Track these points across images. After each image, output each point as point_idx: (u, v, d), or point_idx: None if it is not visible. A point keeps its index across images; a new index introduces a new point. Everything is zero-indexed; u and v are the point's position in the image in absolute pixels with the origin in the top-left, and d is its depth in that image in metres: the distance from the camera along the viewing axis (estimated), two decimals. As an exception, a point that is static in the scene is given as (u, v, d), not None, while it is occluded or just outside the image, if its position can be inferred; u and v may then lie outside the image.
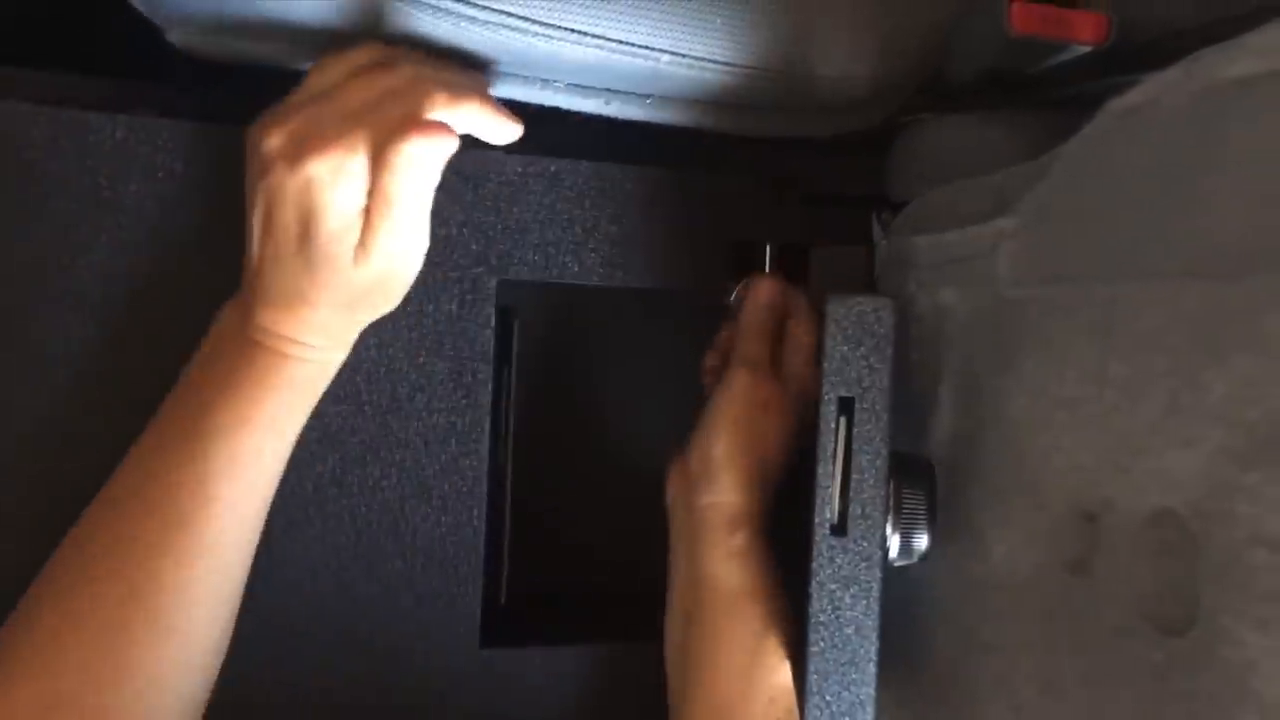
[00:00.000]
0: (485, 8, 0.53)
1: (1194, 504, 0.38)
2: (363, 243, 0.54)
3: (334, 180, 0.52)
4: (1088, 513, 0.44)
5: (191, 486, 0.54)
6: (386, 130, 0.52)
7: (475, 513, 0.66)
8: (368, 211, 0.54)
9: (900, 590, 0.59)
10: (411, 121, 0.52)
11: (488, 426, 0.66)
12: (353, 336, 0.60)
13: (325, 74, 0.55)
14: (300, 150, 0.52)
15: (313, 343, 0.57)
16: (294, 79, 0.56)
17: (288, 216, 0.53)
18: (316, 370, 0.58)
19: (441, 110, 0.53)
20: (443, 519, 0.66)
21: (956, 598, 0.56)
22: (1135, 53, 0.59)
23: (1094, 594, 0.43)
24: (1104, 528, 0.43)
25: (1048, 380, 0.48)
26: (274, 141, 0.52)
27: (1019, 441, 0.50)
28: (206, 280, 0.59)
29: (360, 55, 0.55)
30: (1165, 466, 0.40)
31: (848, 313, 0.55)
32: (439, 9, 0.53)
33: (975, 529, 0.53)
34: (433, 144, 0.53)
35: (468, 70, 0.58)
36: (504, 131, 0.58)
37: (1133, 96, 0.43)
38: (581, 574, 0.80)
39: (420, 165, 0.53)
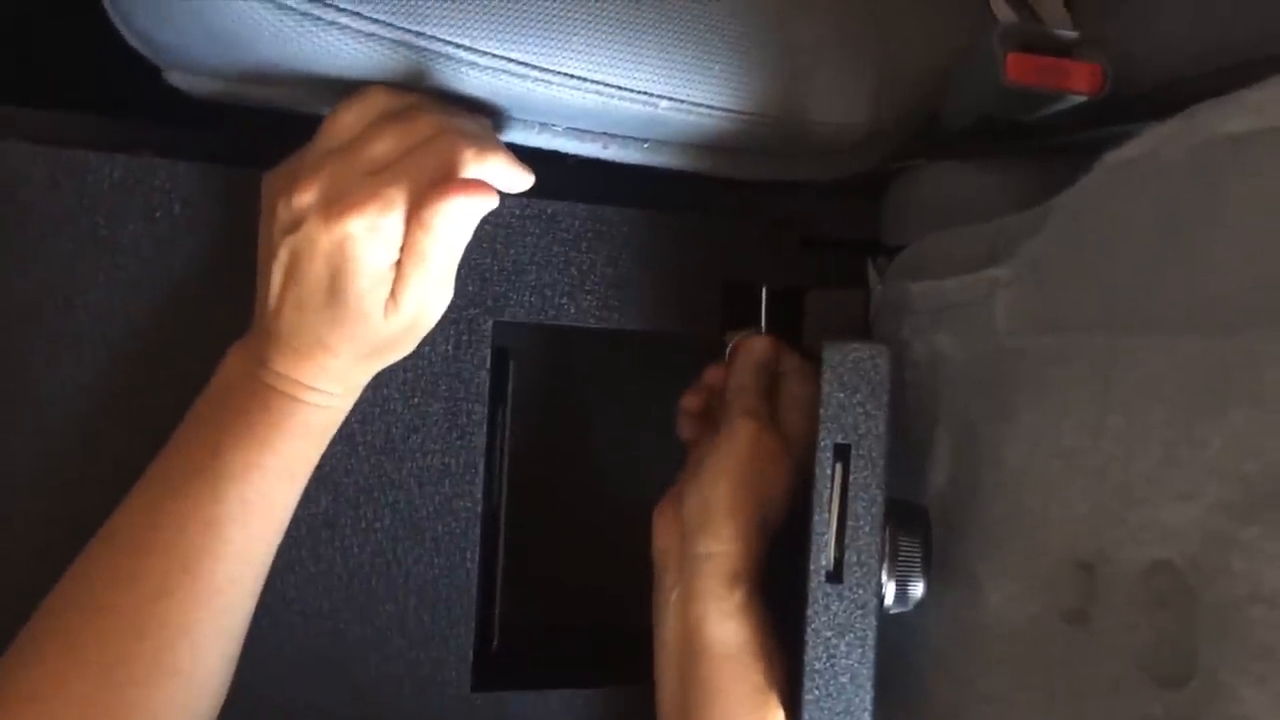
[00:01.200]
0: (485, 53, 0.54)
1: (1191, 557, 0.38)
2: (394, 296, 0.54)
3: (370, 238, 0.52)
4: (1085, 563, 0.44)
5: (200, 529, 0.53)
6: (421, 188, 0.52)
7: (469, 554, 0.66)
8: (400, 265, 0.54)
9: (898, 637, 0.59)
10: (447, 179, 0.52)
11: (482, 467, 0.66)
12: (365, 382, 0.60)
13: (342, 123, 0.54)
14: (335, 208, 0.52)
15: (329, 389, 0.57)
16: (292, 120, 0.57)
17: (318, 271, 0.53)
18: (330, 416, 0.58)
19: (472, 165, 0.53)
20: (436, 560, 0.65)
21: (954, 645, 0.56)
22: (1130, 103, 0.59)
23: (1092, 645, 0.43)
24: (1101, 579, 0.43)
25: (1045, 430, 0.48)
26: (306, 198, 0.52)
27: (1016, 490, 0.50)
28: (205, 321, 0.59)
29: (376, 102, 0.55)
30: (1162, 519, 0.40)
31: (843, 359, 0.55)
32: (439, 54, 0.53)
33: (972, 577, 0.53)
34: (473, 203, 0.53)
35: (479, 118, 0.58)
36: (520, 182, 0.58)
37: (1129, 149, 0.44)
38: (575, 616, 0.80)
39: (457, 223, 0.53)
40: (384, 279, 0.54)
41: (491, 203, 0.54)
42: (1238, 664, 0.35)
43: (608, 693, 0.70)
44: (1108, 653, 0.42)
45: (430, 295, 0.56)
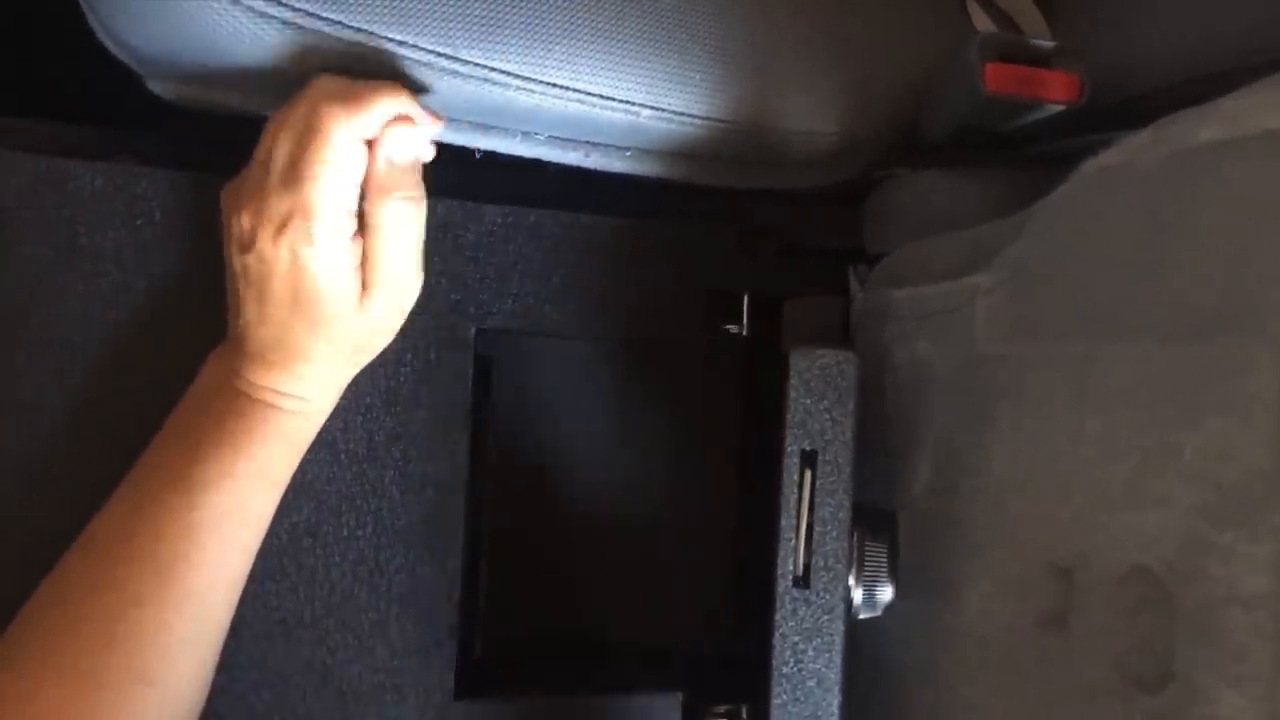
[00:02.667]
0: (468, 62, 0.54)
1: (1169, 562, 0.38)
2: (364, 287, 0.54)
3: (318, 244, 0.52)
4: (1064, 568, 0.45)
5: (177, 537, 0.53)
6: (312, 184, 0.51)
7: (451, 562, 0.66)
8: (363, 254, 0.54)
9: (877, 644, 0.59)
10: (319, 152, 0.51)
11: (465, 476, 0.66)
12: (345, 383, 0.60)
13: (266, 135, 0.54)
14: (276, 226, 0.52)
15: (307, 395, 0.57)
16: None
17: (279, 286, 0.53)
18: (308, 421, 0.58)
19: (343, 124, 0.51)
20: (418, 569, 0.65)
21: (934, 651, 0.56)
22: (1108, 112, 0.60)
23: (1070, 650, 0.44)
24: (1080, 583, 0.43)
25: (1024, 435, 0.49)
26: (248, 218, 0.53)
27: (995, 495, 0.51)
28: (185, 328, 0.59)
29: (283, 111, 0.54)
30: (1140, 524, 0.40)
31: (810, 365, 0.56)
32: (421, 63, 0.53)
33: (951, 581, 0.54)
34: (342, 159, 0.51)
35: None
36: (425, 130, 0.55)
37: (1105, 158, 0.44)
38: (558, 624, 0.80)
39: (386, 195, 0.53)
40: (349, 276, 0.54)
41: (406, 136, 0.53)
42: (1215, 667, 0.35)
43: (592, 701, 0.70)
44: (1086, 657, 0.42)
45: (400, 277, 0.56)
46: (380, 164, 0.53)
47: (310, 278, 0.52)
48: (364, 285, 0.54)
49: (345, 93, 0.52)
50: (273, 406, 0.56)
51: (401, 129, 0.53)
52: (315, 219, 0.51)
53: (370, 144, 0.53)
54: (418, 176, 0.55)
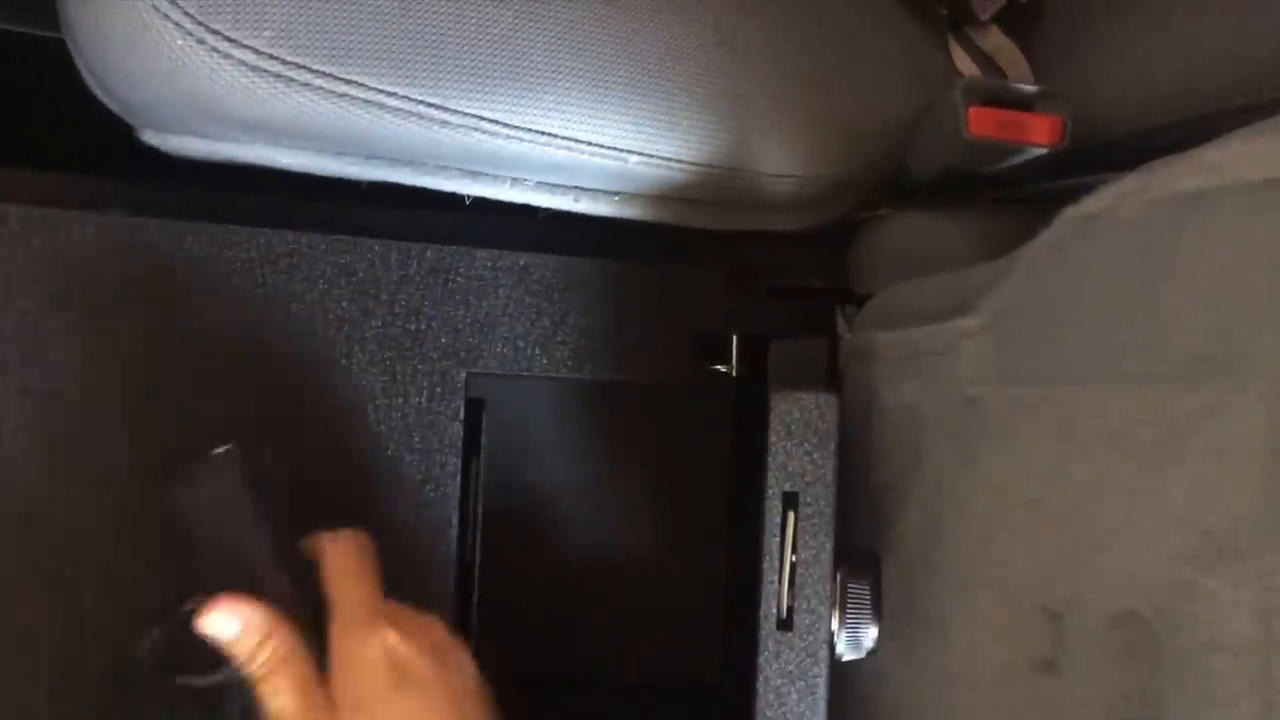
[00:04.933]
0: (457, 111, 0.54)
1: (1156, 606, 0.39)
2: None
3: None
4: (1053, 611, 0.45)
5: None
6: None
7: (443, 606, 0.66)
8: None
9: (862, 685, 0.59)
10: None
11: (456, 519, 0.66)
12: None
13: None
14: None
15: None
16: (265, 177, 0.57)
17: None
18: None
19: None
20: (410, 613, 0.65)
21: (923, 695, 0.56)
22: (1090, 153, 0.61)
23: (1061, 694, 0.44)
24: (1069, 627, 0.44)
25: (1010, 477, 0.49)
26: None
27: (983, 537, 0.51)
28: (174, 377, 0.59)
29: None
30: (1127, 568, 0.40)
31: (791, 407, 0.56)
32: (411, 114, 0.54)
33: (939, 623, 0.54)
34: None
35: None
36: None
37: (1088, 205, 0.45)
38: (551, 666, 0.80)
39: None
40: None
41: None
42: (1203, 714, 0.36)
43: None
44: (1077, 702, 0.43)
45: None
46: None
47: None
48: None
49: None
50: None
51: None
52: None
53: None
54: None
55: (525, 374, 0.68)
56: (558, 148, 0.57)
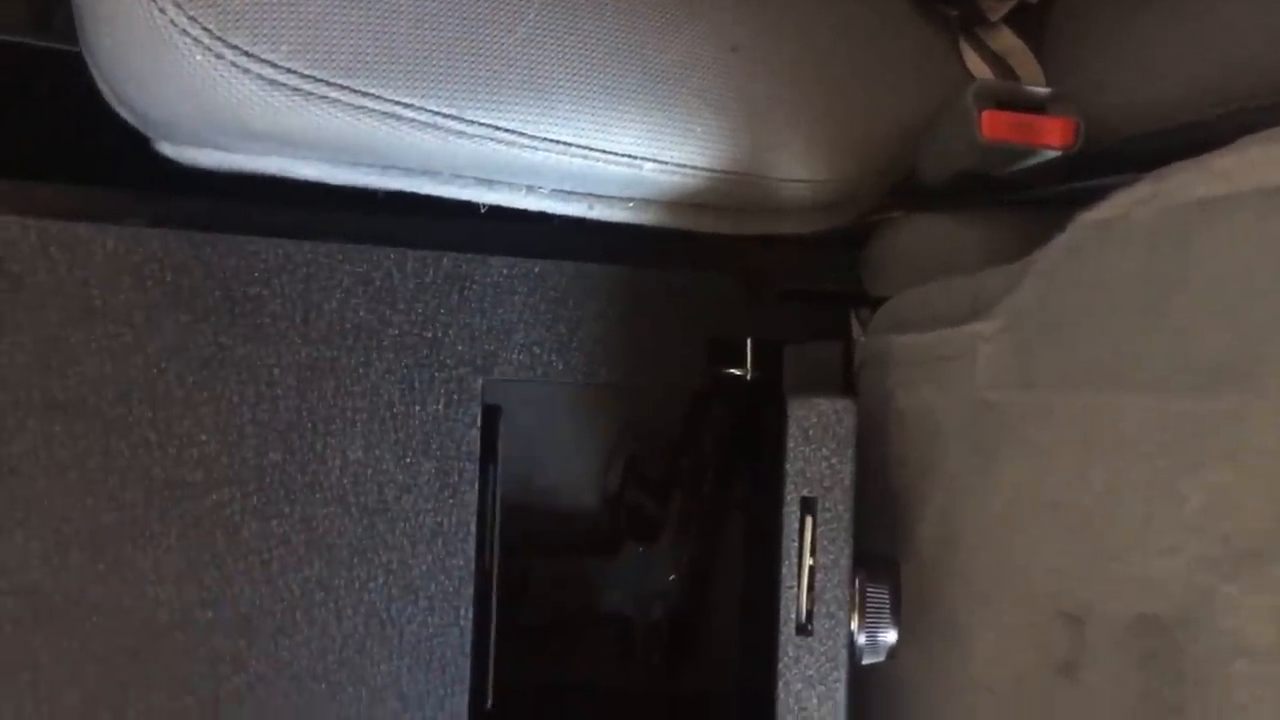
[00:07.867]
0: (473, 122, 0.55)
1: (1176, 611, 0.39)
2: None
3: None
4: (1073, 616, 0.45)
5: None
6: None
7: (462, 613, 0.66)
8: None
9: (882, 689, 0.59)
10: None
11: (474, 526, 0.66)
12: None
13: None
14: None
15: None
16: (282, 187, 0.57)
17: None
18: None
19: None
20: (429, 620, 0.65)
21: (943, 699, 0.56)
22: (1103, 156, 0.61)
23: (1081, 698, 0.44)
24: (1089, 632, 0.44)
25: (1029, 482, 0.49)
26: None
27: (1001, 542, 0.51)
28: (195, 388, 0.60)
29: None
30: (1146, 573, 0.40)
31: (808, 413, 0.56)
32: (427, 125, 0.54)
33: (958, 628, 0.54)
34: None
35: None
36: None
37: (1102, 210, 0.45)
38: (569, 674, 0.80)
39: None
40: None
41: None
42: (1224, 718, 0.36)
43: None
44: (1097, 706, 0.43)
45: None
46: None
47: None
48: None
49: None
50: None
51: None
52: None
53: None
54: None
55: (541, 380, 0.68)
56: (573, 156, 0.58)
